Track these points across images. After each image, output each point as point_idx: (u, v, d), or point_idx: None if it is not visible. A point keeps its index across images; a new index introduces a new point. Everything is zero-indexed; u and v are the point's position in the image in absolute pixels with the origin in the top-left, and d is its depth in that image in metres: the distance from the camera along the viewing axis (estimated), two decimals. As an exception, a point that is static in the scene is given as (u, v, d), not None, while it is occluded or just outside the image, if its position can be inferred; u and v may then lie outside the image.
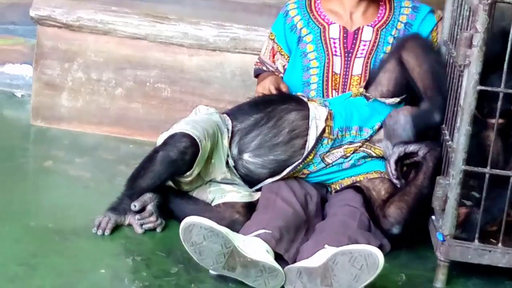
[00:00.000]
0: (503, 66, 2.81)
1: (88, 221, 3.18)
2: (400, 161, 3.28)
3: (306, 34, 3.58)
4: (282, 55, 3.64)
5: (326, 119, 3.32)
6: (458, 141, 2.89)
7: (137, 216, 3.18)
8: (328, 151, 3.32)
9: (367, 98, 3.38)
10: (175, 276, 2.90)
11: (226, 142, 3.32)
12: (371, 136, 3.35)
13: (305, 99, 3.40)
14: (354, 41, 3.54)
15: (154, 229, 3.20)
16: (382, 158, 3.36)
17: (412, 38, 3.38)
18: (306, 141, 3.29)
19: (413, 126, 3.26)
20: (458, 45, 2.88)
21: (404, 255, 3.21)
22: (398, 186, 3.27)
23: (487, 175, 2.90)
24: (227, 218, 3.19)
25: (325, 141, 3.31)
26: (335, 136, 3.32)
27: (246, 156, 3.33)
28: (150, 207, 3.21)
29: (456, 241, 2.96)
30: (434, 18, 3.57)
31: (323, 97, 3.53)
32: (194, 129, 3.18)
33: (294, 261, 2.94)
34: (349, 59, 3.54)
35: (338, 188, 3.37)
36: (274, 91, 3.41)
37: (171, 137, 3.19)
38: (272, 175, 3.32)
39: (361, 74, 3.52)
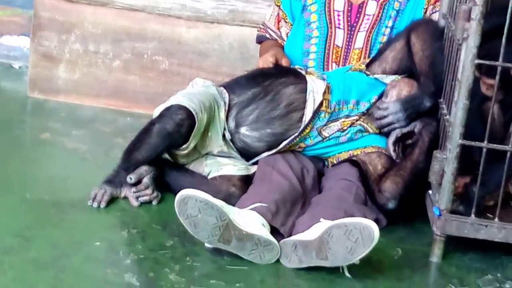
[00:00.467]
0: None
1: (84, 193, 3.17)
2: (399, 141, 3.27)
3: (311, 4, 3.56)
4: (286, 22, 3.62)
5: (324, 92, 3.30)
6: (456, 115, 2.87)
7: (133, 189, 3.18)
8: (325, 124, 3.31)
9: (367, 74, 3.37)
10: (170, 249, 2.90)
11: (223, 115, 3.31)
12: (368, 110, 3.33)
13: (303, 72, 3.38)
14: (358, 15, 3.52)
15: (150, 202, 3.20)
16: (379, 133, 3.35)
17: (425, 23, 3.37)
18: (303, 114, 3.28)
19: (404, 112, 3.24)
20: (456, 18, 2.86)
21: (401, 230, 3.21)
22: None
23: (484, 149, 2.88)
24: (223, 191, 3.18)
25: (322, 115, 3.30)
26: (332, 109, 3.31)
27: (243, 130, 3.31)
28: (146, 180, 3.20)
29: (452, 215, 2.95)
30: None
31: (322, 68, 3.52)
32: (191, 102, 3.17)
33: (290, 235, 2.94)
34: (352, 32, 3.51)
35: (335, 162, 3.37)
36: (272, 64, 3.38)
37: (167, 109, 3.17)
38: (269, 148, 3.31)
39: (363, 48, 3.50)
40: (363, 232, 2.71)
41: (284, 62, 3.42)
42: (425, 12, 3.51)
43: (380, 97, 3.34)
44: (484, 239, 2.95)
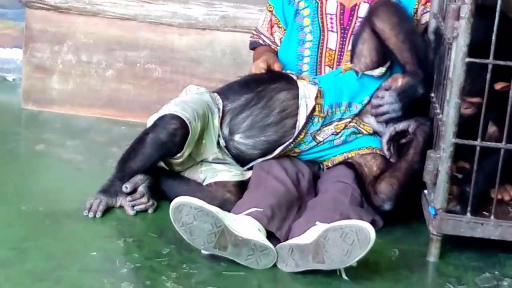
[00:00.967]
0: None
1: (80, 203, 3.17)
2: (393, 140, 3.27)
3: (304, 8, 3.56)
4: (279, 27, 3.62)
5: (316, 97, 3.30)
6: (448, 114, 2.88)
7: (129, 198, 3.18)
8: (319, 129, 3.30)
9: (357, 72, 3.36)
10: (167, 256, 2.89)
11: (217, 122, 3.30)
12: (360, 111, 3.33)
13: (295, 77, 3.38)
14: (351, 18, 3.51)
15: (145, 210, 3.20)
16: (373, 134, 3.35)
17: (383, 5, 3.30)
18: (296, 120, 3.28)
19: (399, 102, 3.24)
20: (446, 17, 2.86)
21: (397, 230, 3.20)
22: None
23: (477, 148, 2.88)
24: (219, 198, 3.18)
25: (316, 120, 3.30)
26: (325, 113, 3.30)
27: (237, 137, 3.31)
28: (141, 189, 3.20)
29: (448, 214, 2.95)
30: None
31: (316, 72, 3.51)
32: (184, 110, 3.16)
33: (287, 239, 2.94)
34: (345, 35, 3.51)
35: (330, 165, 3.36)
36: (264, 70, 3.38)
37: (161, 118, 3.17)
38: (263, 155, 3.31)
39: None
40: (359, 234, 2.71)
41: (276, 67, 3.41)
42: (416, 12, 3.51)
43: (371, 97, 3.33)
44: (480, 237, 2.95)
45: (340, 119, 3.32)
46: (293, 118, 3.29)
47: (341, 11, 3.52)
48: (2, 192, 3.30)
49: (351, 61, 3.40)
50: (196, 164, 3.31)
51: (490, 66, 2.82)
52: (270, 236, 2.94)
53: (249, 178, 3.28)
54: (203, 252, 2.88)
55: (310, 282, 2.81)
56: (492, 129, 3.15)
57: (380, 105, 3.27)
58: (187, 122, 3.14)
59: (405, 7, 3.47)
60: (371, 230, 2.71)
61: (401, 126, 3.25)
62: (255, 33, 3.69)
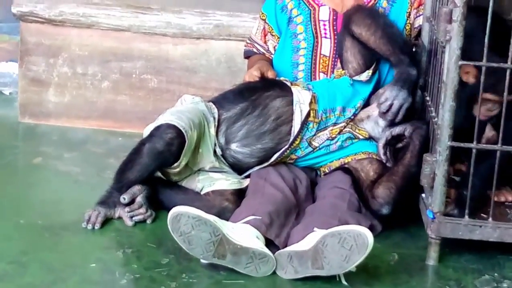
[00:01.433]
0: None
1: (78, 215, 3.17)
2: (389, 144, 3.28)
3: (297, 15, 3.56)
4: (273, 35, 3.62)
5: (310, 102, 3.31)
6: (443, 117, 2.88)
7: (127, 209, 3.18)
8: (314, 134, 3.31)
9: (350, 77, 3.37)
10: (166, 266, 2.89)
11: (213, 131, 3.31)
12: (354, 115, 3.34)
13: (288, 84, 3.38)
14: None
15: (144, 220, 3.20)
16: (369, 138, 3.36)
17: (356, 11, 3.37)
18: (291, 126, 3.28)
19: (402, 89, 3.25)
20: (438, 20, 2.87)
21: (396, 235, 3.21)
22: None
23: (473, 150, 2.89)
24: (217, 206, 3.18)
25: (311, 125, 3.30)
26: (319, 119, 3.31)
27: (233, 146, 3.32)
28: (139, 199, 3.20)
29: (446, 217, 2.96)
30: None
31: (310, 79, 3.52)
32: (180, 120, 3.17)
33: (286, 246, 2.94)
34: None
35: (327, 171, 3.37)
36: (257, 78, 3.39)
37: (157, 128, 3.18)
38: (260, 162, 3.32)
39: None
40: (357, 240, 2.71)
41: (270, 75, 3.42)
42: (408, 16, 3.52)
43: (365, 101, 3.35)
44: (479, 239, 2.95)
45: (335, 124, 3.33)
46: (288, 124, 3.29)
47: (334, 18, 3.53)
48: (0, 205, 3.29)
49: (342, 68, 3.41)
50: (193, 173, 3.31)
51: (483, 69, 2.83)
52: (269, 243, 2.94)
53: (247, 186, 3.29)
54: (202, 261, 2.88)
55: (309, 288, 2.82)
56: (491, 133, 3.15)
57: (389, 107, 3.26)
58: (183, 131, 3.14)
59: (397, 11, 3.49)
60: (369, 235, 2.71)
61: (397, 130, 3.26)
62: (248, 41, 3.70)
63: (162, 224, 3.11)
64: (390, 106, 3.26)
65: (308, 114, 3.30)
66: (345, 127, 3.34)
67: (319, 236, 2.76)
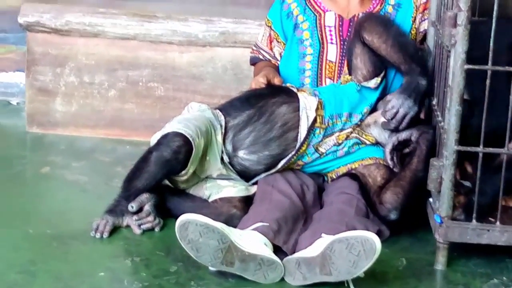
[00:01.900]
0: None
1: (86, 224, 3.18)
2: (396, 150, 3.28)
3: (303, 21, 3.57)
4: (278, 42, 3.63)
5: (317, 108, 3.31)
6: (450, 122, 2.88)
7: (135, 217, 3.18)
8: (321, 140, 3.31)
9: (357, 83, 3.37)
10: (174, 274, 2.90)
11: (220, 138, 3.31)
12: (361, 121, 3.34)
13: (295, 90, 3.39)
14: (350, 29, 3.52)
15: (152, 229, 3.20)
16: (376, 144, 3.36)
17: (368, 18, 3.38)
18: (298, 133, 3.29)
19: (409, 98, 3.24)
20: (443, 25, 2.87)
21: (404, 240, 3.21)
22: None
23: (480, 154, 2.89)
24: (224, 213, 3.18)
25: (317, 131, 3.31)
26: (326, 124, 3.31)
27: (241, 153, 3.32)
28: (147, 207, 3.21)
29: (454, 222, 2.95)
30: None
31: (317, 85, 3.52)
32: (187, 128, 3.17)
33: (294, 252, 2.94)
34: (344, 47, 3.52)
35: (334, 177, 3.37)
36: (263, 85, 3.39)
37: (164, 137, 3.18)
38: (267, 169, 3.32)
39: None
40: (364, 245, 2.71)
41: (276, 82, 3.42)
42: (414, 21, 3.52)
43: (371, 107, 3.35)
44: (487, 243, 2.95)
45: (341, 130, 3.33)
46: (295, 130, 3.30)
47: (340, 23, 3.54)
48: (9, 215, 3.31)
49: (349, 74, 3.42)
50: (201, 181, 3.32)
51: (489, 73, 2.83)
52: (277, 250, 2.94)
53: (254, 193, 3.29)
54: (211, 268, 2.88)
55: (318, 294, 2.82)
56: None
57: (394, 114, 3.26)
58: (190, 139, 3.15)
59: (403, 16, 3.50)
60: (376, 240, 2.71)
61: (403, 135, 3.26)
62: (254, 48, 3.70)
63: (170, 232, 3.11)
64: (395, 114, 3.26)
65: (315, 120, 3.30)
66: (351, 132, 3.34)
67: (327, 242, 2.77)
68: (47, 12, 4.13)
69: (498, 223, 2.94)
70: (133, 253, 3.04)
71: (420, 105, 3.29)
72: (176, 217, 2.89)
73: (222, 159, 3.31)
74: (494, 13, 2.77)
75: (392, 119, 3.26)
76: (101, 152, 4.02)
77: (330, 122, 3.32)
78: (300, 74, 3.55)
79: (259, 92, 3.39)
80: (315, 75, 3.53)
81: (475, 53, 2.83)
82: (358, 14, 3.52)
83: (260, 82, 3.40)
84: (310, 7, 3.57)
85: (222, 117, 3.36)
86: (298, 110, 3.30)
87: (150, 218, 3.20)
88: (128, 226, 3.20)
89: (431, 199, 3.12)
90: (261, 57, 3.68)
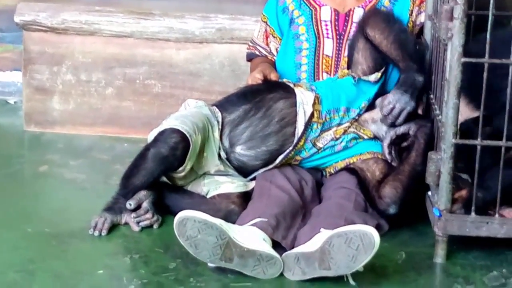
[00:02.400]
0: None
1: (85, 222, 3.18)
2: (394, 144, 3.28)
3: (298, 16, 3.56)
4: (274, 37, 3.63)
5: (314, 103, 3.31)
6: (447, 115, 2.88)
7: (133, 214, 3.18)
8: (318, 135, 3.31)
9: (354, 77, 3.37)
10: (173, 271, 2.89)
11: (217, 134, 3.31)
12: (359, 115, 3.34)
13: (291, 85, 3.39)
14: (346, 23, 3.52)
15: (150, 226, 3.20)
16: (374, 138, 3.35)
17: (372, 14, 3.38)
18: (295, 128, 3.28)
19: (405, 93, 3.23)
20: (439, 18, 2.87)
21: (403, 233, 3.20)
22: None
23: (478, 147, 2.88)
24: (223, 209, 3.18)
25: (315, 126, 3.30)
26: (323, 119, 3.31)
27: (238, 149, 3.32)
28: (145, 204, 3.21)
29: (453, 215, 2.95)
30: None
31: (314, 79, 3.52)
32: (184, 124, 3.17)
33: (292, 247, 2.93)
34: (341, 41, 3.52)
35: (333, 172, 3.37)
36: (260, 81, 3.39)
37: (161, 133, 3.18)
38: (265, 165, 3.32)
39: None
40: (363, 239, 2.71)
41: (273, 77, 3.42)
42: (411, 14, 3.52)
43: (370, 102, 3.34)
44: (486, 236, 2.95)
45: (339, 124, 3.33)
46: (292, 125, 3.29)
47: (336, 17, 3.53)
48: (7, 214, 3.30)
49: (348, 68, 3.41)
50: (199, 177, 3.32)
51: (486, 65, 2.82)
52: (276, 245, 2.94)
53: (253, 189, 3.28)
54: (210, 265, 2.88)
55: (317, 289, 2.82)
56: None
57: (391, 110, 3.25)
58: (187, 135, 3.14)
59: (399, 9, 3.49)
60: (375, 234, 2.71)
61: (401, 129, 3.25)
62: (251, 44, 3.70)
63: (169, 228, 3.11)
64: (392, 109, 3.25)
65: (312, 115, 3.30)
66: (349, 127, 3.33)
67: (326, 236, 2.76)
68: (43, 11, 4.12)
69: (496, 215, 2.94)
70: (132, 250, 3.04)
71: (417, 101, 3.28)
72: (175, 214, 2.89)
73: (219, 155, 3.31)
74: (490, 5, 2.76)
75: (388, 114, 3.25)
76: (99, 150, 4.01)
77: (328, 116, 3.32)
78: (296, 69, 3.55)
79: (256, 88, 3.38)
80: (311, 69, 3.53)
81: None
82: (354, 8, 3.53)
83: (256, 78, 3.39)
84: (305, 1, 3.57)
85: (219, 113, 3.36)
86: (295, 105, 3.30)
87: (149, 215, 3.20)
88: (126, 224, 3.20)
89: (429, 193, 3.12)
90: (257, 53, 3.68)
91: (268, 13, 3.63)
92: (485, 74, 2.84)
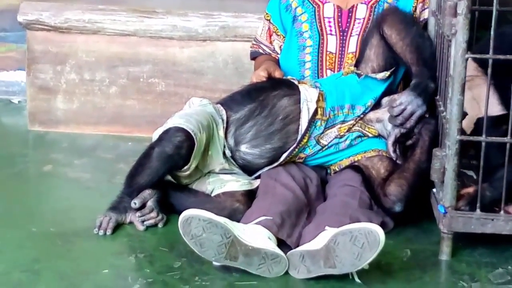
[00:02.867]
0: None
1: (89, 222, 3.18)
2: (398, 142, 3.27)
3: (301, 13, 3.56)
4: (278, 35, 3.62)
5: (318, 100, 3.30)
6: (452, 111, 2.87)
7: (138, 213, 3.18)
8: (322, 132, 3.30)
9: (359, 75, 3.36)
10: (178, 270, 2.89)
11: (221, 132, 3.31)
12: (364, 114, 3.33)
13: (296, 82, 3.38)
14: (349, 20, 3.51)
15: (155, 225, 3.20)
16: (378, 136, 3.35)
17: (391, 12, 3.36)
18: (299, 125, 3.28)
19: (418, 97, 3.20)
20: (443, 14, 2.86)
21: (409, 231, 3.20)
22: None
23: (483, 143, 2.88)
24: (228, 208, 3.18)
25: (318, 123, 3.30)
26: (327, 116, 3.30)
27: (243, 148, 3.31)
28: (150, 203, 3.20)
29: (458, 212, 2.94)
30: None
31: (317, 76, 3.51)
32: (188, 123, 3.17)
33: (297, 245, 2.93)
34: (344, 38, 3.51)
35: (337, 169, 3.36)
36: (264, 79, 3.38)
37: (166, 132, 3.18)
38: (270, 163, 3.31)
39: (356, 52, 3.49)
40: (368, 237, 2.70)
41: (277, 75, 3.41)
42: (414, 10, 3.51)
43: (376, 101, 3.33)
44: (491, 233, 2.94)
45: (343, 122, 3.32)
46: (296, 123, 3.29)
47: (339, 14, 3.52)
48: (12, 214, 3.31)
49: (357, 65, 3.40)
50: (203, 175, 3.31)
51: (490, 61, 2.81)
52: (281, 243, 2.94)
53: (257, 187, 3.28)
54: (215, 263, 2.88)
55: (323, 287, 2.80)
56: None
57: (402, 111, 3.21)
58: (192, 134, 3.14)
59: (403, 6, 3.48)
60: (380, 232, 2.70)
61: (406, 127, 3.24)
62: (254, 42, 3.69)
63: (174, 227, 3.10)
64: (403, 110, 3.22)
65: (316, 112, 3.29)
66: (354, 125, 3.33)
67: (331, 234, 2.76)
68: (47, 10, 4.12)
69: (502, 212, 2.93)
70: (136, 249, 3.04)
71: (427, 106, 3.26)
72: (179, 213, 2.88)
73: (224, 153, 3.31)
74: (495, 1, 2.75)
75: (399, 115, 3.23)
76: (103, 149, 4.01)
77: (332, 113, 3.31)
78: (300, 66, 3.54)
79: (260, 86, 3.38)
80: (315, 67, 3.52)
81: None
82: (357, 5, 3.52)
83: (260, 75, 3.39)
84: (308, -1, 3.57)
85: (224, 112, 3.36)
86: (299, 103, 3.29)
87: (153, 214, 3.19)
88: (131, 223, 3.20)
89: (434, 190, 3.11)
90: (261, 51, 3.67)
91: (271, 11, 3.62)
92: (489, 70, 2.83)
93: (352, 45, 3.50)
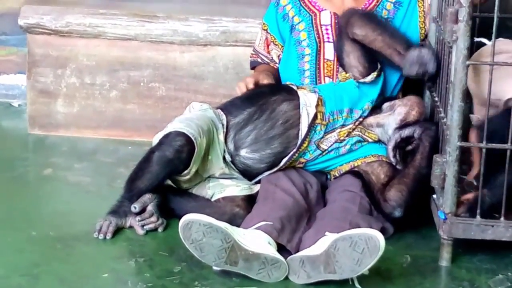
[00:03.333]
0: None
1: (89, 226, 3.17)
2: (398, 147, 3.27)
3: (299, 22, 3.56)
4: (276, 45, 3.63)
5: (317, 105, 3.31)
6: (452, 118, 2.87)
7: (138, 218, 3.18)
8: (322, 137, 3.31)
9: (356, 80, 3.37)
10: (178, 274, 2.89)
11: (222, 137, 3.31)
12: (363, 117, 3.34)
13: (295, 87, 3.38)
14: None
15: (155, 229, 3.20)
16: (378, 141, 3.35)
17: (352, 14, 3.34)
18: (299, 129, 3.28)
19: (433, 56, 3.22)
20: (444, 21, 2.87)
21: (408, 237, 3.20)
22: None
23: (484, 150, 2.88)
24: (228, 213, 3.18)
25: (318, 128, 3.30)
26: (327, 121, 3.31)
27: (243, 152, 3.31)
28: (150, 208, 3.20)
29: (458, 218, 2.95)
30: None
31: (316, 84, 3.52)
32: (189, 127, 3.17)
33: (297, 251, 2.93)
34: (341, 45, 3.51)
35: (337, 175, 3.36)
36: (251, 87, 3.39)
37: (166, 136, 3.18)
38: (270, 168, 3.31)
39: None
40: (368, 243, 2.71)
41: (263, 81, 3.43)
42: (423, 26, 3.51)
43: (373, 104, 3.34)
44: (491, 239, 2.94)
45: (343, 126, 3.33)
46: (296, 127, 3.29)
47: (336, 21, 3.52)
48: (12, 218, 3.30)
49: (345, 72, 3.41)
50: (204, 180, 3.32)
51: (490, 68, 2.82)
52: (281, 248, 2.94)
53: (257, 192, 3.28)
54: (215, 268, 2.88)
55: (322, 293, 2.81)
56: None
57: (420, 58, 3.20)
58: (192, 138, 3.14)
59: (402, 16, 3.50)
60: (380, 238, 2.71)
61: (406, 132, 3.25)
62: (253, 52, 3.71)
63: (174, 232, 3.11)
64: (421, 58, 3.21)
65: (315, 117, 3.29)
66: (353, 129, 3.33)
67: (331, 240, 2.76)
68: (47, 14, 4.12)
69: (502, 218, 2.93)
70: (136, 253, 3.03)
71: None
72: (179, 217, 2.89)
73: (224, 158, 3.31)
74: (496, 8, 2.76)
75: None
76: (103, 153, 4.01)
77: (331, 118, 3.32)
78: (300, 74, 3.55)
79: (260, 91, 3.39)
80: (313, 74, 3.53)
81: None
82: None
83: (247, 81, 3.40)
84: (305, 7, 3.56)
85: (224, 116, 3.36)
86: (299, 107, 3.30)
87: (153, 218, 3.19)
88: (131, 227, 3.20)
89: (434, 196, 3.11)
90: (259, 60, 3.69)
91: (268, 21, 3.63)
92: (490, 77, 2.83)
93: None
